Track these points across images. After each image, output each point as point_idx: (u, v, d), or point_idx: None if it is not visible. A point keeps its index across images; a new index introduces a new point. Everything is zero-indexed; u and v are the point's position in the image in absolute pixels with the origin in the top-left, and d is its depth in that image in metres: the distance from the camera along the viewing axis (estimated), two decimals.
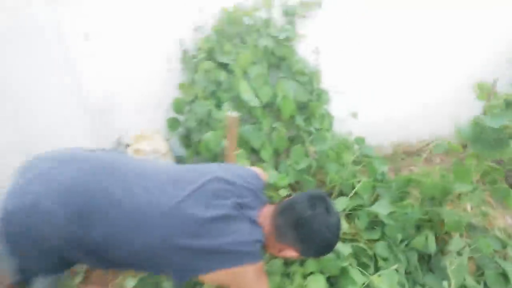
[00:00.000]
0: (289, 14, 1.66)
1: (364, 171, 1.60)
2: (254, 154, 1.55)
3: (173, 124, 1.66)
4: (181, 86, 1.61)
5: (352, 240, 1.32)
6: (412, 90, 2.07)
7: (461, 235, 1.20)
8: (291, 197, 0.89)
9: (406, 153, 2.31)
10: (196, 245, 0.74)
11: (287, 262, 1.15)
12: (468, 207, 1.27)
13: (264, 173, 1.02)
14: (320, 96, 1.74)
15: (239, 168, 0.97)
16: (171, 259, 0.75)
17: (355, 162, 1.62)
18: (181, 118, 1.69)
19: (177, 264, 0.76)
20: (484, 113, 1.08)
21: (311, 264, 1.12)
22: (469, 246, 1.16)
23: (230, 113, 0.96)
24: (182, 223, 0.75)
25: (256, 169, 1.00)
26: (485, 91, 1.04)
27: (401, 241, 1.28)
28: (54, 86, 1.55)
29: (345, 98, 1.83)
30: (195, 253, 0.75)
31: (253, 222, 0.84)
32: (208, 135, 1.39)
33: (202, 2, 1.56)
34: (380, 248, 1.27)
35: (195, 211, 0.76)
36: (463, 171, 1.12)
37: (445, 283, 1.03)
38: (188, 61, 1.64)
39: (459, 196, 1.21)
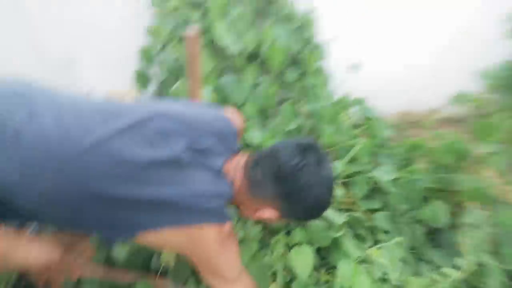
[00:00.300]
0: None
1: (364, 136, 1.38)
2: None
3: (141, 78, 1.40)
4: (149, 31, 1.34)
5: (348, 210, 1.12)
6: (422, 50, 1.80)
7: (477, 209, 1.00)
8: (272, 144, 0.67)
9: (413, 123, 2.09)
10: (133, 195, 0.54)
11: (271, 232, 0.95)
12: (490, 175, 1.05)
13: (238, 116, 0.78)
14: (315, 47, 1.48)
15: (202, 107, 0.74)
16: (99, 215, 0.56)
17: (354, 126, 1.41)
18: (151, 70, 1.44)
19: (111, 220, 0.57)
20: None
21: (296, 233, 0.92)
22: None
23: (188, 31, 0.71)
24: (112, 165, 0.54)
25: (228, 110, 0.77)
26: None
27: (406, 212, 1.08)
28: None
29: (343, 54, 1.57)
30: (133, 205, 0.55)
31: (216, 172, 0.62)
32: (177, 85, 1.15)
33: None
34: (380, 219, 1.08)
35: (130, 150, 0.55)
36: (487, 126, 0.90)
37: (459, 260, 0.83)
38: (158, 2, 1.37)
39: (478, 162, 1.00)
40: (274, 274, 0.87)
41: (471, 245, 0.90)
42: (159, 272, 0.85)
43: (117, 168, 0.54)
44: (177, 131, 0.61)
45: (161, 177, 0.56)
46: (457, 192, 0.99)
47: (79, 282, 0.82)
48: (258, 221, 0.85)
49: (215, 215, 0.60)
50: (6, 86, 0.59)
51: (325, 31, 1.55)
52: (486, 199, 0.95)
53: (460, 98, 1.00)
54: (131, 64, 1.46)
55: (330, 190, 0.65)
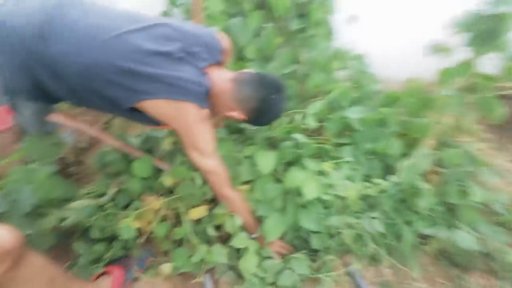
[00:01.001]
0: None
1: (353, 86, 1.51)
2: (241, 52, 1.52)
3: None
4: None
5: (319, 143, 1.31)
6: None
7: (430, 148, 1.14)
8: (260, 73, 0.96)
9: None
10: (139, 70, 0.80)
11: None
12: (446, 120, 1.17)
13: (226, 38, 1.00)
14: (323, 1, 1.59)
15: (198, 25, 0.97)
16: (115, 81, 0.81)
17: (349, 79, 1.54)
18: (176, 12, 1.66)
19: (122, 86, 0.82)
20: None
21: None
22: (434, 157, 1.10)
23: None
24: (127, 50, 0.80)
25: (219, 33, 0.99)
26: None
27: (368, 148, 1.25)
28: None
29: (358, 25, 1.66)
30: (138, 76, 0.81)
31: (199, 69, 0.87)
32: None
33: None
34: (345, 152, 1.26)
35: (140, 42, 0.81)
36: (447, 72, 1.01)
37: (390, 177, 1.01)
38: None
39: (440, 107, 1.12)
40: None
41: (407, 167, 1.06)
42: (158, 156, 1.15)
43: (131, 52, 0.80)
44: (176, 37, 0.85)
45: (160, 62, 0.81)
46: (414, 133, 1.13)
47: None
48: (225, 118, 1.08)
49: (196, 97, 0.85)
50: None
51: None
52: (437, 142, 1.09)
53: (437, 49, 1.10)
54: None
55: (282, 111, 1.00)
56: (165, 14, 1.62)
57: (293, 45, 1.58)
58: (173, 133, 1.20)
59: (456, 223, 1.10)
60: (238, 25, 1.45)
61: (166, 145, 1.12)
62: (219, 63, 0.95)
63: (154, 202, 1.07)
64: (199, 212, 1.05)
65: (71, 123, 1.31)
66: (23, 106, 0.94)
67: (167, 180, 1.06)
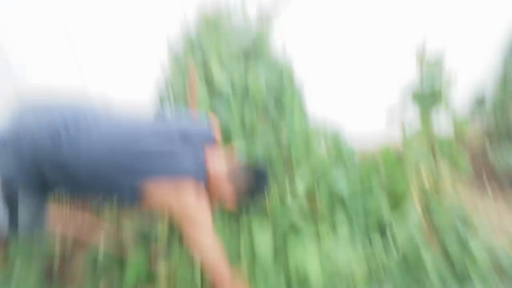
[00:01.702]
0: (262, 14, 1.86)
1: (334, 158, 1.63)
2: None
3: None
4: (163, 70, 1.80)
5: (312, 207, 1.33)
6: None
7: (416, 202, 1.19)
8: (255, 167, 1.06)
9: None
10: (143, 149, 0.89)
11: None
12: (422, 170, 1.25)
13: (216, 121, 1.16)
14: (294, 90, 1.86)
15: (194, 114, 1.16)
16: (121, 163, 0.88)
17: (328, 151, 1.67)
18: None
19: (125, 168, 0.87)
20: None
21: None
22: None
23: (189, 64, 1.13)
24: (132, 141, 0.90)
25: (210, 116, 1.17)
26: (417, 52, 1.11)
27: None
28: None
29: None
30: (140, 156, 0.88)
31: (199, 150, 0.97)
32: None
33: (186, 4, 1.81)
34: (338, 214, 1.28)
35: (145, 133, 0.92)
36: (408, 141, 1.16)
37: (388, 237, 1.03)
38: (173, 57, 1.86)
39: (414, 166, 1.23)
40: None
41: (406, 233, 1.08)
42: None
43: (136, 141, 0.90)
44: (176, 127, 0.98)
45: (161, 142, 0.91)
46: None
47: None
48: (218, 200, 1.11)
49: (195, 172, 0.92)
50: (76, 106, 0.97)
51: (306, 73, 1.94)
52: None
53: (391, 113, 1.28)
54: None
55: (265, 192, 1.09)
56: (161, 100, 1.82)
57: (273, 120, 1.76)
58: (169, 216, 1.20)
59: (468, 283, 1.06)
60: (221, 106, 1.64)
61: (162, 230, 1.10)
62: (213, 144, 1.06)
63: None
64: None
65: (62, 220, 1.28)
66: (20, 202, 0.96)
67: (163, 270, 1.01)
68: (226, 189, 0.99)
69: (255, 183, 1.02)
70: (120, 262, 1.08)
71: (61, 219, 1.16)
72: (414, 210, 1.16)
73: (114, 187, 0.90)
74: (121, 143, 0.89)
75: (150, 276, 1.04)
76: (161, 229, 1.11)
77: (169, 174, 0.88)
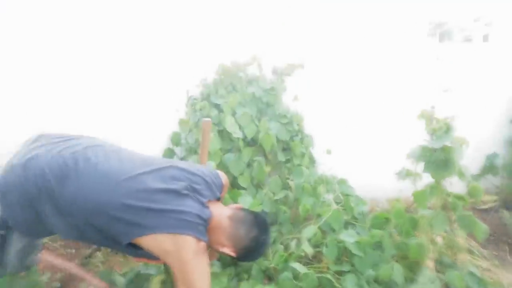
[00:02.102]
0: (277, 72, 2.01)
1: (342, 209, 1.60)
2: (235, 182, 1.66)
3: (168, 153, 1.88)
4: (180, 122, 1.89)
5: (320, 272, 1.26)
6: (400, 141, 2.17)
7: (432, 270, 1.11)
8: (253, 212, 1.04)
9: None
10: (145, 206, 0.85)
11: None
12: (438, 239, 1.20)
13: (225, 177, 1.13)
14: (303, 138, 1.91)
15: (202, 166, 1.11)
16: (119, 217, 0.84)
17: (336, 202, 1.64)
18: (177, 150, 1.91)
19: (125, 221, 0.84)
20: (431, 138, 1.16)
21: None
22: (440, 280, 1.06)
23: (204, 119, 1.17)
24: (136, 189, 0.87)
25: (219, 171, 1.13)
26: (427, 116, 1.15)
27: (370, 275, 1.20)
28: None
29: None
30: (142, 212, 0.84)
31: (203, 204, 0.94)
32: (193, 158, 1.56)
33: (206, 59, 1.98)
34: (348, 281, 1.20)
35: (149, 183, 0.89)
36: (420, 194, 1.14)
37: None
38: (191, 104, 1.97)
39: (424, 226, 1.18)
40: None
41: None
42: None
43: (139, 191, 0.87)
44: (182, 177, 0.96)
45: (165, 199, 0.88)
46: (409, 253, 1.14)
47: None
48: (217, 251, 1.05)
49: (197, 230, 0.88)
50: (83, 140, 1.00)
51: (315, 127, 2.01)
52: (435, 263, 1.08)
53: (406, 174, 1.27)
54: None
55: (266, 249, 1.04)
56: (169, 151, 1.86)
57: (281, 174, 1.76)
58: (163, 270, 1.14)
59: None
60: (232, 159, 1.66)
61: (155, 284, 1.03)
62: (218, 199, 1.04)
63: None
64: None
65: (53, 260, 1.23)
66: (12, 240, 0.93)
67: None
68: (224, 243, 0.96)
69: (258, 238, 0.98)
70: None
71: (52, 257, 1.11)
72: (427, 273, 1.07)
73: (108, 235, 0.87)
74: (124, 192, 0.86)
75: None
76: (155, 279, 1.05)
77: (168, 231, 0.85)
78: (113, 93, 1.93)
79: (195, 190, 0.94)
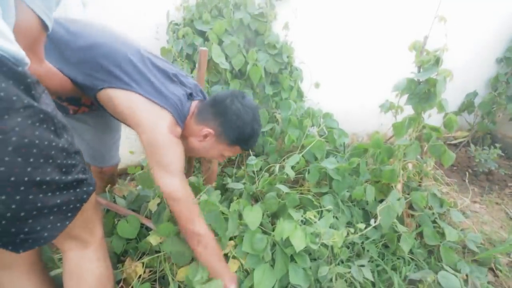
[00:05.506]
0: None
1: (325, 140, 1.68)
2: None
3: None
4: (162, 50, 1.76)
5: (301, 193, 1.38)
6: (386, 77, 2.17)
7: (400, 192, 1.25)
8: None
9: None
10: (141, 69, 0.88)
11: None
12: (410, 166, 1.32)
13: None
14: (292, 71, 1.86)
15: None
16: (114, 65, 0.85)
17: (320, 135, 1.71)
18: None
19: (115, 72, 0.85)
20: (418, 70, 1.16)
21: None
22: (406, 199, 1.21)
23: (201, 48, 1.11)
24: (140, 53, 0.91)
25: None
26: (417, 48, 1.14)
27: (346, 196, 1.34)
28: None
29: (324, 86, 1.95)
30: (137, 72, 0.87)
31: (188, 94, 0.96)
32: None
33: None
34: (326, 200, 1.33)
35: (150, 57, 0.93)
36: (399, 125, 1.20)
37: (372, 220, 1.08)
38: (172, 30, 1.81)
39: (399, 155, 1.27)
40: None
41: (384, 210, 1.14)
42: (145, 215, 1.13)
43: (142, 57, 0.91)
44: (173, 69, 0.98)
45: (157, 74, 0.90)
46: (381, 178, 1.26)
47: None
48: (220, 156, 1.07)
49: (176, 112, 0.89)
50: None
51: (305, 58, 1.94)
52: (403, 187, 1.21)
53: (389, 107, 1.32)
54: None
55: (253, 116, 0.96)
56: None
57: (268, 107, 1.77)
58: (158, 194, 1.22)
59: (438, 264, 1.14)
60: (219, 90, 1.63)
61: (152, 205, 1.12)
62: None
63: (137, 267, 1.02)
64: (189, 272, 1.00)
65: None
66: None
67: (153, 239, 1.03)
68: (200, 127, 0.96)
69: (236, 102, 0.94)
70: (112, 224, 1.09)
71: None
72: (396, 194, 1.21)
73: (93, 78, 0.86)
74: (129, 49, 0.89)
75: (140, 246, 1.07)
76: (152, 201, 1.13)
77: (152, 98, 0.85)
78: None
79: (182, 82, 0.97)
